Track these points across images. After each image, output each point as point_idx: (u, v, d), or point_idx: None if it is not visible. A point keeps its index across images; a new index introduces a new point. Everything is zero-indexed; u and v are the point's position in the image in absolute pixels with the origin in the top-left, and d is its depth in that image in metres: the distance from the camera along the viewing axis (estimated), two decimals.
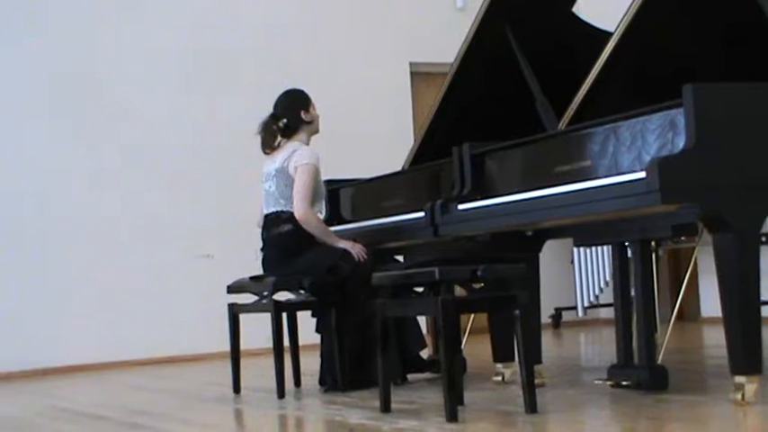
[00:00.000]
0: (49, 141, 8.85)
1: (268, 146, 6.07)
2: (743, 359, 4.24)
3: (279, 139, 6.08)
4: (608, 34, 5.24)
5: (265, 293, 5.90)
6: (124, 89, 9.08)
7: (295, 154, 5.93)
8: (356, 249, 5.86)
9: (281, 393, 5.73)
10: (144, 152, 9.09)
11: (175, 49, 9.29)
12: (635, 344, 5.00)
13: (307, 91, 6.17)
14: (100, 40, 9.08)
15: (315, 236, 5.90)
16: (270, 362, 5.80)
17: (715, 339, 7.29)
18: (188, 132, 9.21)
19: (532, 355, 4.64)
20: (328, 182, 6.72)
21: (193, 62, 9.32)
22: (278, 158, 5.99)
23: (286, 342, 5.95)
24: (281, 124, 6.06)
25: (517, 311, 4.54)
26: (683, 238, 6.26)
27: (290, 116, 6.06)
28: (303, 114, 6.06)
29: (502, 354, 5.63)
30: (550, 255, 7.72)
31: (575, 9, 6.13)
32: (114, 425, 5.33)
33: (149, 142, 9.11)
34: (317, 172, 5.93)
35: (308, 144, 6.07)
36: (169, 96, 9.22)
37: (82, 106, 8.94)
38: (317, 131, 6.15)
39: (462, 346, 6.07)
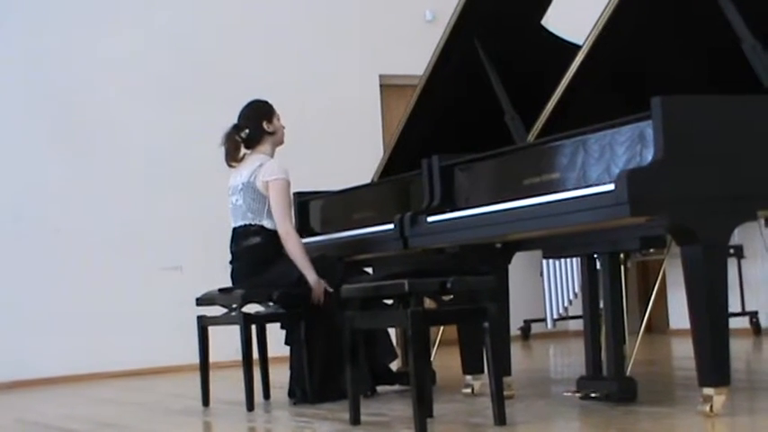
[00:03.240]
0: (22, 152, 8.82)
1: (232, 158, 6.05)
2: (711, 371, 4.25)
3: (242, 150, 6.07)
4: (577, 47, 5.26)
5: (234, 306, 5.88)
6: (96, 101, 9.06)
7: (262, 168, 5.92)
8: (317, 293, 5.83)
9: (250, 406, 5.71)
10: (113, 164, 9.07)
11: (148, 62, 9.27)
12: (604, 356, 5.01)
13: (277, 103, 6.16)
14: (75, 50, 9.05)
15: (289, 254, 5.87)
16: (239, 374, 5.78)
17: (683, 351, 7.33)
18: (158, 145, 9.19)
19: (502, 367, 4.64)
20: (298, 194, 6.73)
21: (165, 75, 9.30)
22: (244, 172, 5.97)
23: (255, 354, 5.94)
24: (243, 135, 6.04)
25: (486, 323, 4.54)
26: (651, 250, 6.28)
27: (253, 127, 6.04)
28: (266, 125, 6.04)
29: (471, 366, 5.63)
30: (519, 267, 7.72)
31: (543, 22, 6.15)
32: None
33: (119, 154, 9.09)
34: (288, 186, 5.93)
35: (272, 155, 6.05)
36: (140, 109, 9.19)
37: (55, 117, 8.92)
38: (281, 143, 6.13)
39: (432, 359, 6.06)
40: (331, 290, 5.79)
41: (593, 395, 4.93)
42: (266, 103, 6.12)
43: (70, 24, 9.07)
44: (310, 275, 5.83)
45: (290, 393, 6.05)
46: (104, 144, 9.06)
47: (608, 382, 4.92)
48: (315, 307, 5.85)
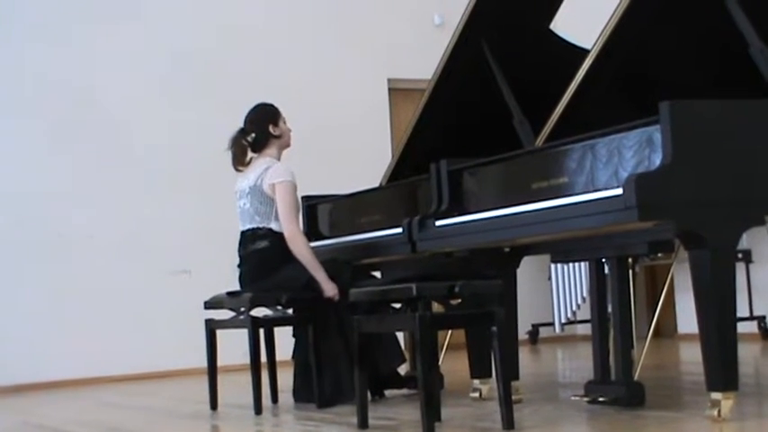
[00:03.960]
0: (26, 155, 8.83)
1: (239, 162, 6.06)
2: (719, 375, 4.25)
3: (249, 154, 6.08)
4: (585, 51, 5.26)
5: (242, 309, 5.89)
6: (102, 103, 9.07)
7: (268, 171, 5.93)
8: (330, 293, 5.83)
9: (258, 409, 5.72)
10: (120, 168, 9.08)
11: (155, 65, 9.29)
12: (612, 360, 5.01)
13: (285, 106, 6.17)
14: (81, 51, 9.06)
15: (297, 257, 5.88)
16: (247, 378, 5.78)
17: (691, 356, 7.32)
18: (165, 148, 9.20)
19: (510, 371, 4.64)
20: (306, 197, 6.73)
21: (172, 77, 9.31)
22: (251, 175, 5.98)
23: (263, 358, 5.94)
24: (249, 139, 6.05)
25: (494, 327, 4.54)
26: (659, 254, 6.28)
27: (258, 130, 6.05)
28: (272, 129, 6.05)
29: (479, 370, 5.62)
30: (528, 271, 7.73)
31: (552, 26, 6.15)
32: None
33: (126, 158, 9.10)
34: (294, 188, 5.93)
35: (278, 158, 6.07)
36: (147, 112, 9.21)
37: (61, 121, 8.93)
38: (287, 146, 6.14)
39: (440, 363, 6.06)
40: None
41: (601, 399, 4.92)
42: (272, 106, 6.13)
43: (75, 26, 9.07)
44: (320, 275, 5.83)
45: (295, 394, 6.06)
46: (111, 148, 9.07)
47: (616, 387, 4.91)
48: (323, 311, 5.85)
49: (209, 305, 6.13)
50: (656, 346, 8.35)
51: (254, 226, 5.94)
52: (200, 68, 9.40)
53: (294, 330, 6.16)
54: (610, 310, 5.06)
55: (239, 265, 6.04)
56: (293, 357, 6.13)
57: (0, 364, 8.50)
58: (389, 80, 10.19)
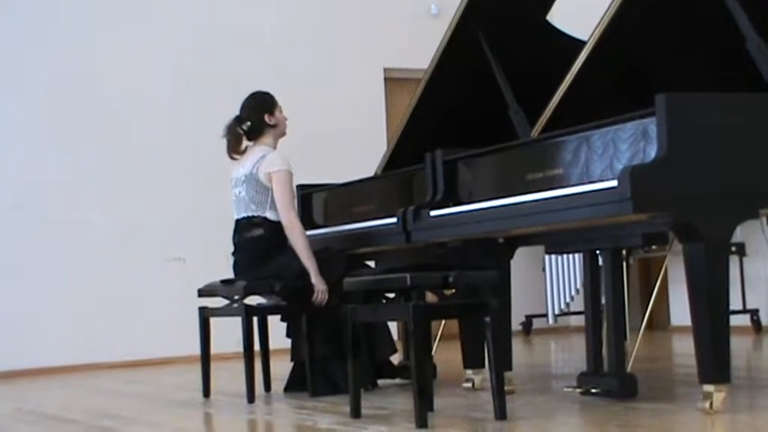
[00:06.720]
0: (26, 143, 8.82)
1: (234, 150, 6.05)
2: (711, 368, 4.26)
3: (245, 142, 6.07)
4: (582, 43, 5.26)
5: (236, 297, 5.89)
6: (101, 93, 9.05)
7: (264, 160, 5.92)
8: (319, 294, 5.83)
9: (250, 398, 5.72)
10: (117, 155, 9.06)
11: (151, 57, 9.26)
12: (605, 352, 5.02)
13: (281, 95, 6.16)
14: (80, 41, 9.04)
15: (292, 245, 5.87)
16: (240, 366, 5.78)
17: (684, 348, 7.32)
18: (160, 136, 9.19)
19: (503, 362, 4.64)
20: (301, 186, 6.73)
21: (167, 68, 9.29)
22: (246, 163, 5.97)
23: (257, 346, 5.94)
24: (244, 127, 6.04)
25: (488, 318, 4.54)
26: (653, 246, 6.29)
27: (254, 119, 6.04)
28: (267, 117, 6.04)
29: (472, 360, 5.63)
30: (522, 262, 7.74)
31: (549, 17, 6.15)
32: (82, 428, 5.30)
33: (123, 145, 9.09)
34: (291, 177, 5.93)
35: (275, 147, 6.06)
36: (143, 101, 9.19)
37: (59, 108, 8.91)
38: (283, 134, 6.13)
39: (433, 353, 6.07)
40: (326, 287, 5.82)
41: (593, 391, 4.93)
42: (268, 94, 6.12)
43: (74, 19, 9.06)
44: (312, 269, 5.83)
45: (287, 388, 6.06)
46: (107, 136, 9.05)
47: (609, 378, 4.92)
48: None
49: (203, 293, 6.12)
50: (649, 339, 8.35)
51: (250, 214, 5.94)
52: (196, 59, 9.37)
53: (288, 330, 6.16)
54: (603, 301, 5.07)
55: (234, 253, 6.04)
56: (292, 360, 6.12)
57: None
58: (385, 69, 10.18)
